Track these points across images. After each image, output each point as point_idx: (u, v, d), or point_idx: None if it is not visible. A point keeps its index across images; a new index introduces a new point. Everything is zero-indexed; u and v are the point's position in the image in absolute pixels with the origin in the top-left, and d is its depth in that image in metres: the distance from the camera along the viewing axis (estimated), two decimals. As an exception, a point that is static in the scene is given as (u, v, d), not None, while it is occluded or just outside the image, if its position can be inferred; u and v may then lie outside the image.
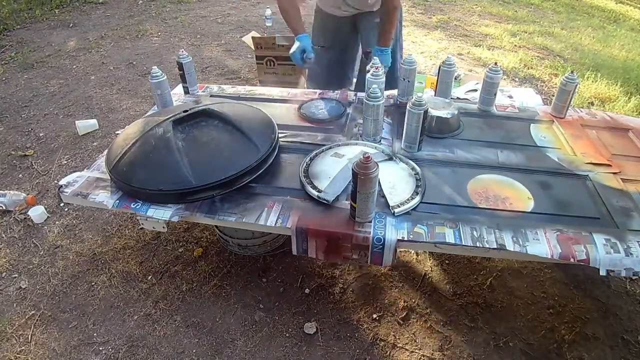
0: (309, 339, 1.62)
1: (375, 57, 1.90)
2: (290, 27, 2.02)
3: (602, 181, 1.53)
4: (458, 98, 2.57)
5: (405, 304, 1.74)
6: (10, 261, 1.96)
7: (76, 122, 2.84)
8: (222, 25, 4.78)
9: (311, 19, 2.36)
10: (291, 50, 1.99)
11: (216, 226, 1.92)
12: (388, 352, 1.57)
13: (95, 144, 2.75)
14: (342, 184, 1.47)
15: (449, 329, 1.65)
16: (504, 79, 3.48)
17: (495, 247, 1.26)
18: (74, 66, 3.82)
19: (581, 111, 1.99)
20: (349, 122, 1.89)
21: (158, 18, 5.01)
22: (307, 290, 1.79)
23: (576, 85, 1.84)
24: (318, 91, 2.20)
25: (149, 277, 1.86)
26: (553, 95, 1.99)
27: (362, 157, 1.23)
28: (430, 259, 1.93)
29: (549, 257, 1.23)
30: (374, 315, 1.70)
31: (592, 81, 3.46)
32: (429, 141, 1.72)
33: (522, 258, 1.54)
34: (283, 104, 2.06)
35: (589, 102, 3.23)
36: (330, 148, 1.68)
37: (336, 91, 2.20)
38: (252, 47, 3.29)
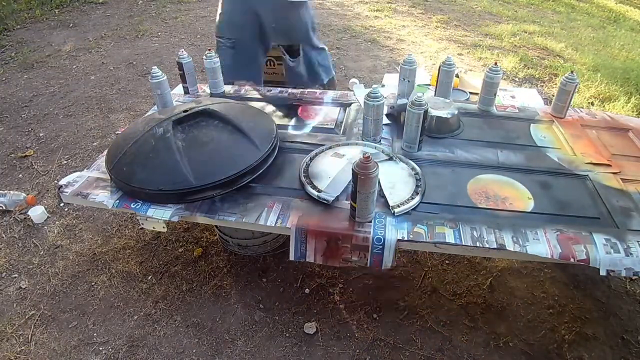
0: (309, 339, 1.62)
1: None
2: None
3: (602, 181, 1.52)
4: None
5: (405, 304, 1.74)
6: (10, 261, 1.96)
7: None
8: (222, 25, 4.78)
9: None
10: None
11: (216, 226, 1.92)
12: (388, 352, 1.57)
13: (95, 144, 2.75)
14: (342, 184, 1.47)
15: (449, 329, 1.65)
16: (504, 79, 3.48)
17: (495, 247, 1.26)
18: (74, 66, 3.82)
19: (581, 111, 1.99)
20: (349, 122, 1.89)
21: (158, 18, 5.01)
22: (307, 290, 1.79)
23: (576, 85, 1.84)
24: (318, 91, 2.20)
25: (149, 277, 1.86)
26: (553, 95, 1.99)
27: (362, 157, 1.23)
28: (430, 259, 1.93)
29: (549, 257, 1.23)
30: (374, 315, 1.69)
31: (592, 81, 3.46)
32: (429, 141, 1.72)
33: (522, 258, 1.54)
34: (283, 104, 2.06)
35: (589, 102, 3.23)
36: (330, 148, 1.68)
37: (337, 91, 2.20)
38: (252, 47, 3.29)
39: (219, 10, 2.36)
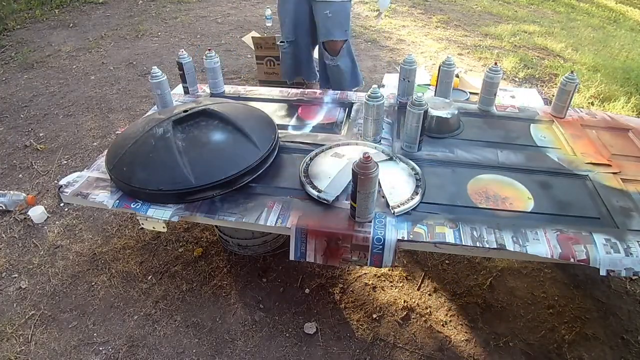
0: (309, 339, 1.62)
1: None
2: None
3: (602, 181, 1.53)
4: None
5: (405, 304, 1.74)
6: (10, 261, 1.96)
7: None
8: (222, 25, 4.78)
9: None
10: None
11: (216, 226, 1.92)
12: (388, 352, 1.57)
13: (95, 144, 2.75)
14: (342, 184, 1.47)
15: (449, 329, 1.65)
16: (504, 79, 3.48)
17: (495, 247, 1.26)
18: (74, 66, 3.82)
19: (581, 111, 1.99)
20: (349, 122, 1.89)
21: (158, 18, 5.01)
22: (307, 290, 1.79)
23: (576, 85, 1.84)
24: (318, 91, 2.20)
25: (149, 277, 1.86)
26: (553, 95, 1.99)
27: (362, 157, 1.23)
28: (430, 259, 1.93)
29: (549, 257, 1.23)
30: (374, 315, 1.70)
31: (592, 81, 3.46)
32: (429, 141, 1.72)
33: (522, 258, 1.54)
34: (283, 104, 2.06)
35: (589, 102, 3.23)
36: (330, 148, 1.68)
37: (336, 91, 2.20)
38: (252, 47, 3.30)
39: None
